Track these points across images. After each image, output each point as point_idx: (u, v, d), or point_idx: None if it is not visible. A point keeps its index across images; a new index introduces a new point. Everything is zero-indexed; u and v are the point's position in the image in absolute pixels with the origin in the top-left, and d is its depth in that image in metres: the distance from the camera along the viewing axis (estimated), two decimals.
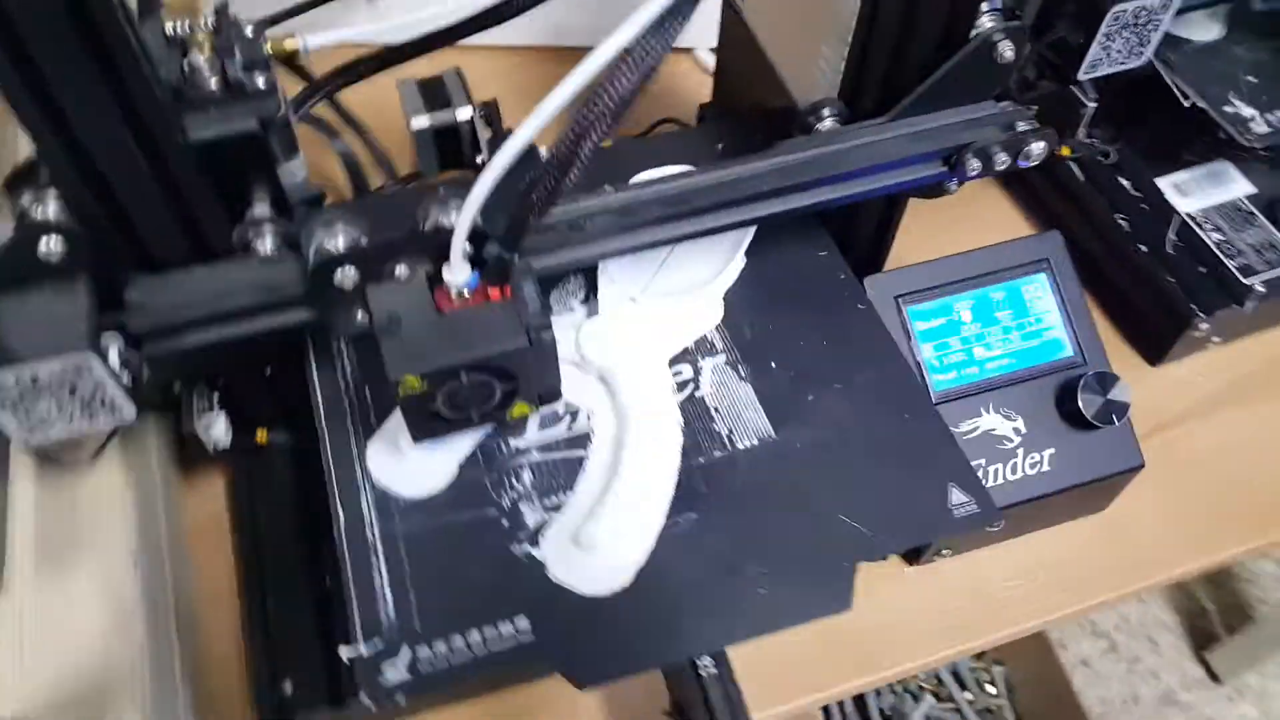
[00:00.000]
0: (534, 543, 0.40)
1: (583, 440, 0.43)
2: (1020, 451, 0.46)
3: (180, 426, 0.45)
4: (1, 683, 0.37)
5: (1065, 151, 0.61)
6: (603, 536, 0.39)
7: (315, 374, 0.44)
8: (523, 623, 0.37)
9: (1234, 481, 0.54)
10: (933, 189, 0.46)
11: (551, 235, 0.40)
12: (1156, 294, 0.56)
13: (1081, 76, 0.48)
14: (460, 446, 0.42)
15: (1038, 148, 0.43)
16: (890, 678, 0.48)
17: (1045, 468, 0.46)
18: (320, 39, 0.52)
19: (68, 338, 0.34)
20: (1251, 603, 1.26)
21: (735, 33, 0.54)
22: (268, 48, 0.40)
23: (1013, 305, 0.48)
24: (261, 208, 0.40)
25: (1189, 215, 0.57)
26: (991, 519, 0.40)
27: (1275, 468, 0.54)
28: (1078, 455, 0.47)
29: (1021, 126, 0.44)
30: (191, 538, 0.49)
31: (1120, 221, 0.58)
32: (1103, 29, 0.45)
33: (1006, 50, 0.41)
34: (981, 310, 0.48)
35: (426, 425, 0.39)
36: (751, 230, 0.49)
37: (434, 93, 0.50)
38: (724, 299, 0.47)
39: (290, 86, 0.52)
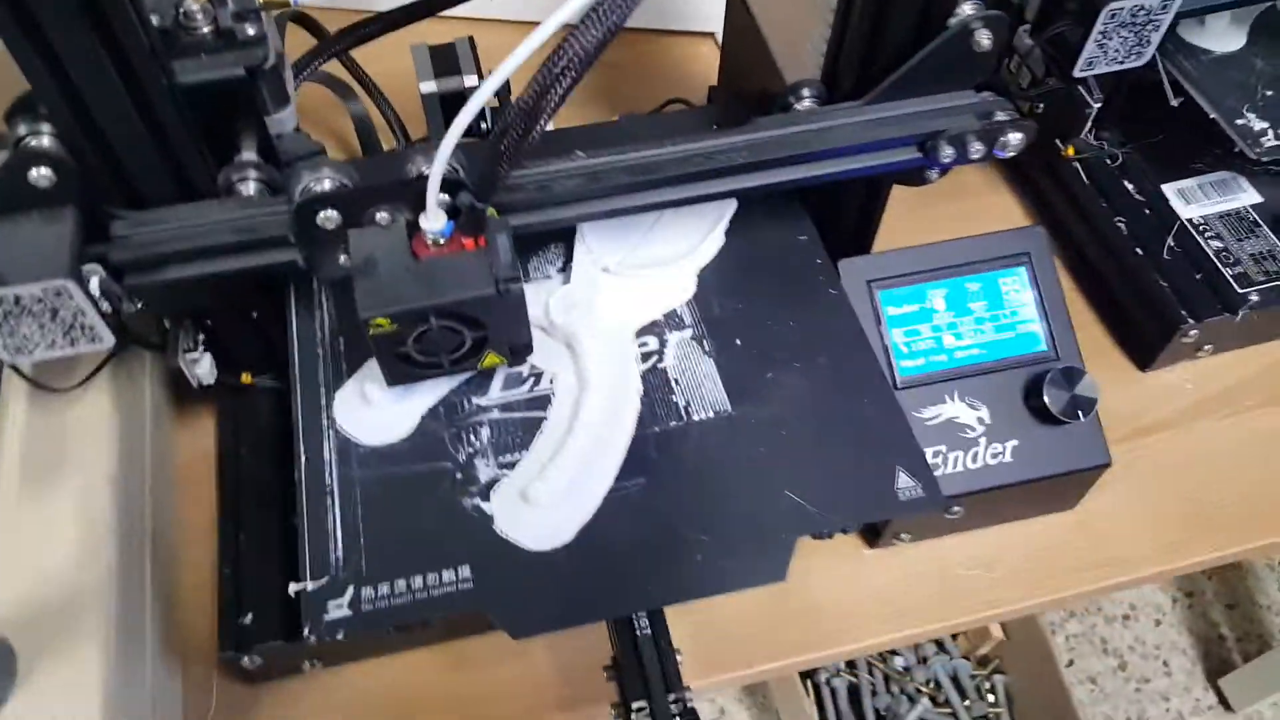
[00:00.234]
0: (484, 497, 0.41)
1: (543, 402, 0.44)
2: (983, 441, 0.46)
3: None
4: None
5: (1070, 152, 0.60)
6: (550, 495, 0.40)
7: (294, 321, 0.46)
8: (465, 571, 0.39)
9: (1209, 490, 0.53)
10: (913, 176, 0.46)
11: (521, 195, 0.41)
12: (1148, 298, 0.55)
13: (1078, 74, 0.47)
14: (424, 400, 0.44)
15: (1015, 138, 0.43)
16: (840, 655, 0.48)
17: (1007, 459, 0.46)
18: None
19: (51, 264, 0.36)
20: (1271, 631, 1.23)
21: (738, 16, 0.55)
22: None
23: (988, 297, 0.48)
24: (248, 154, 0.42)
25: (1190, 222, 0.57)
26: (936, 504, 0.41)
27: (1251, 480, 0.53)
28: (1041, 449, 0.47)
29: (1000, 116, 0.43)
30: (181, 471, 0.52)
31: (1119, 224, 0.58)
32: (1098, 26, 0.45)
33: (984, 39, 0.41)
34: (955, 299, 0.48)
35: (399, 369, 0.40)
36: (731, 210, 0.49)
37: (445, 59, 0.52)
38: (698, 276, 0.48)
39: (302, 45, 0.54)
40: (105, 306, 0.38)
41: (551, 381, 0.45)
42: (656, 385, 0.44)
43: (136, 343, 0.45)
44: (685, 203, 0.43)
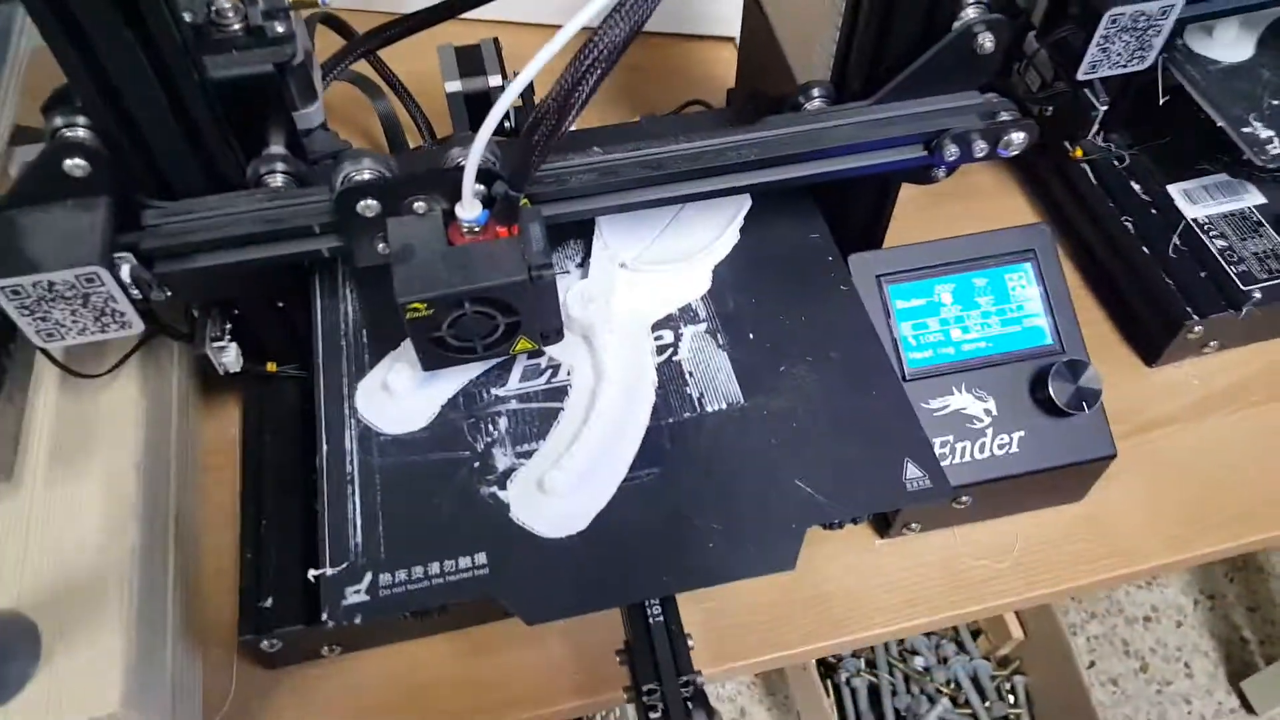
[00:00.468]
0: (501, 486, 0.42)
1: (560, 393, 0.45)
2: (990, 432, 0.47)
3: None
4: (5, 573, 0.40)
5: (1078, 154, 0.61)
6: (565, 484, 0.41)
7: (319, 312, 0.47)
8: (481, 558, 0.40)
9: (1214, 484, 0.54)
10: (919, 174, 0.47)
11: (540, 189, 0.42)
12: (1154, 295, 0.56)
13: (1081, 77, 0.48)
14: (444, 390, 0.45)
15: (1018, 137, 0.44)
16: (850, 644, 0.49)
17: (1014, 450, 0.47)
18: None
19: (83, 251, 0.37)
20: None
21: (754, 20, 0.56)
22: None
23: (994, 291, 0.49)
24: (276, 147, 0.43)
25: (1195, 221, 0.57)
26: (943, 495, 0.41)
27: (1256, 473, 0.54)
28: (1048, 440, 0.47)
29: (1003, 116, 0.44)
30: (207, 458, 0.53)
31: (1127, 224, 0.59)
32: (1100, 30, 0.46)
33: (987, 41, 0.42)
34: (962, 294, 0.49)
35: (434, 353, 0.41)
36: (746, 208, 0.50)
37: (470, 60, 0.53)
38: (713, 271, 0.49)
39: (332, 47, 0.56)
40: (135, 293, 0.39)
41: (569, 373, 0.46)
42: (671, 377, 0.45)
43: (165, 332, 0.47)
44: (697, 198, 0.44)
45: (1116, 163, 0.61)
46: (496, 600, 0.39)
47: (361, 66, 0.60)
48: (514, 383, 0.45)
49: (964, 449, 0.47)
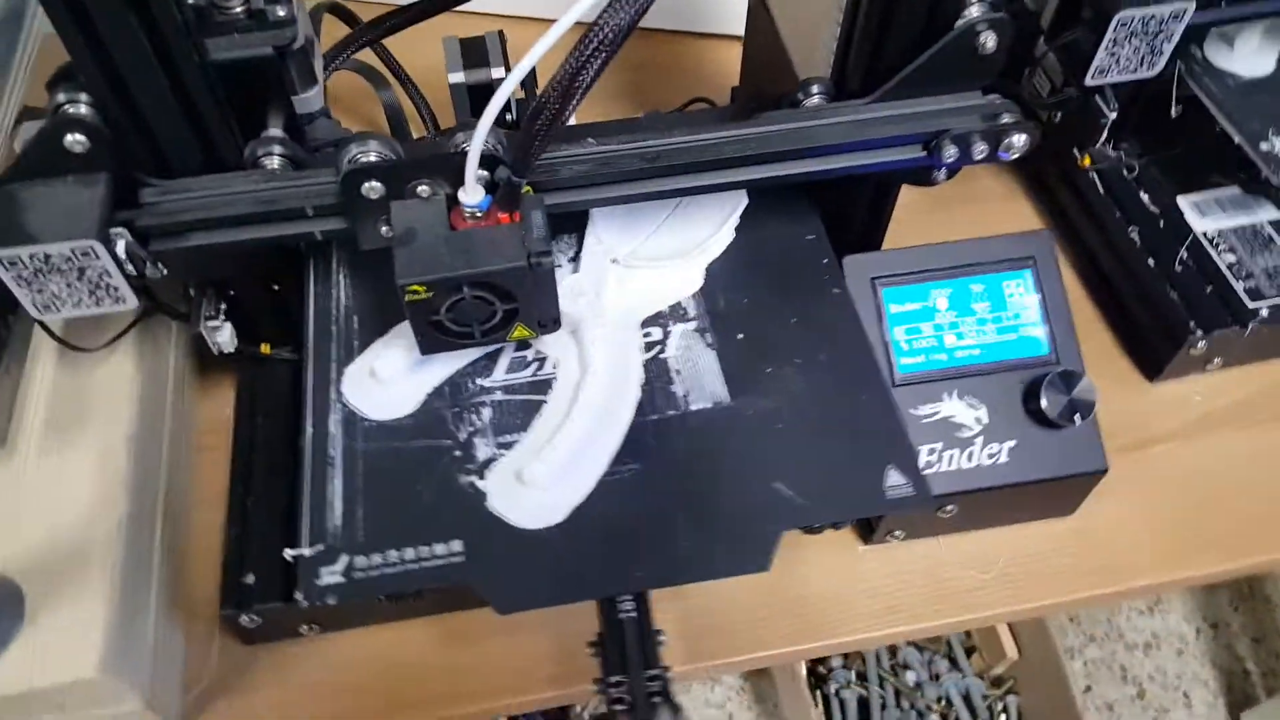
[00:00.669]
0: (480, 475, 0.42)
1: (545, 386, 0.45)
2: (979, 441, 0.47)
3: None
4: None
5: (1087, 162, 0.60)
6: (545, 475, 0.41)
7: (311, 296, 0.47)
8: (456, 546, 0.40)
9: (1212, 504, 0.53)
10: (919, 175, 0.47)
11: (536, 178, 0.43)
12: (1158, 308, 0.55)
13: (1089, 82, 0.48)
14: (430, 379, 0.45)
15: (1019, 140, 0.44)
16: (829, 648, 0.49)
17: (1003, 460, 0.47)
18: None
19: (80, 225, 0.38)
20: None
21: (759, 17, 0.56)
22: None
23: (991, 298, 0.48)
24: (274, 130, 0.43)
25: (1204, 235, 0.56)
26: (925, 503, 0.41)
27: (1256, 494, 0.53)
28: (1038, 452, 0.47)
29: (1005, 119, 0.44)
30: (201, 438, 0.54)
31: (1133, 235, 0.58)
32: (1109, 34, 0.45)
33: (989, 41, 0.42)
34: (959, 300, 0.48)
35: (433, 337, 0.42)
36: (741, 206, 0.50)
37: (475, 52, 0.53)
38: (706, 270, 0.49)
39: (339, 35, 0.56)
40: (130, 269, 0.40)
41: (555, 367, 0.46)
42: (658, 374, 0.45)
43: (163, 311, 0.47)
44: (691, 192, 0.44)
45: (1126, 172, 0.60)
46: (471, 588, 0.40)
47: (369, 58, 0.60)
48: (500, 374, 0.46)
49: (952, 457, 0.46)
